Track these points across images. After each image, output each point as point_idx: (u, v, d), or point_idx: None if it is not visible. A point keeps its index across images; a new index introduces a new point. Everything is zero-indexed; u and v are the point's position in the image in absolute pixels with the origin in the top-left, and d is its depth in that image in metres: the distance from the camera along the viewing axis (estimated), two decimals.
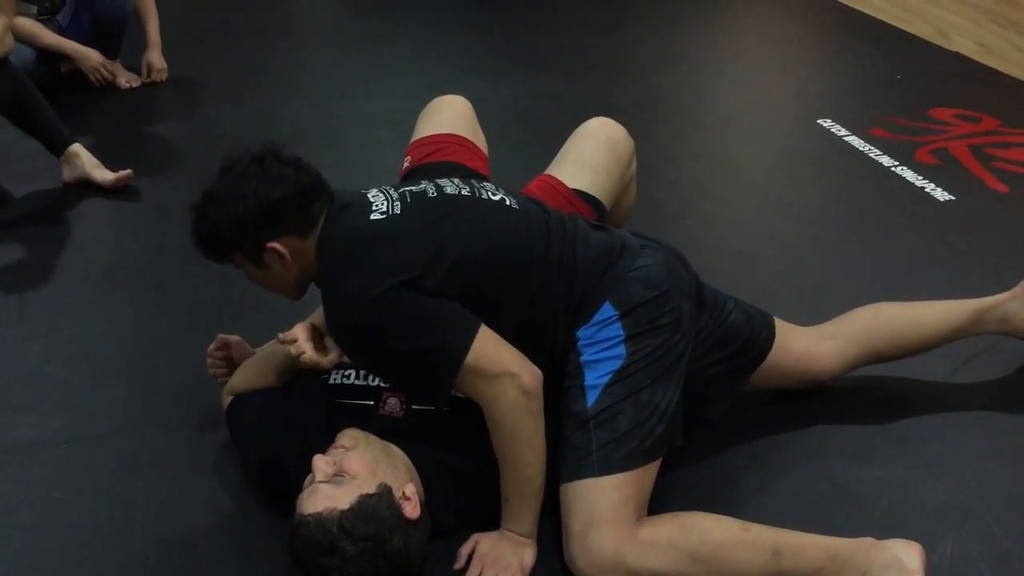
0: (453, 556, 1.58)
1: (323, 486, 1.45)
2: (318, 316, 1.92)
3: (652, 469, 1.58)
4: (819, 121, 3.38)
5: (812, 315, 1.99)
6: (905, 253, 2.55)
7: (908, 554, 1.49)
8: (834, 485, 1.76)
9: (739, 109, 3.57)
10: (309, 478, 1.50)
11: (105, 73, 3.59)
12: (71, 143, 2.88)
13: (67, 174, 2.90)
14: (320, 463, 1.49)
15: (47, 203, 2.87)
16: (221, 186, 1.57)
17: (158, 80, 3.74)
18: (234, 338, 1.90)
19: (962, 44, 4.15)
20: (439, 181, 1.69)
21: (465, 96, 2.16)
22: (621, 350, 1.58)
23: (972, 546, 1.62)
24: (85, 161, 2.88)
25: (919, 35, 4.29)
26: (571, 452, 1.55)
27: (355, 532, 1.41)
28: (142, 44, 3.75)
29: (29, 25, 3.43)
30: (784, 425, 1.92)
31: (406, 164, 1.98)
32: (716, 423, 1.81)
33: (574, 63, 3.99)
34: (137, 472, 1.79)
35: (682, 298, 1.66)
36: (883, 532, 1.55)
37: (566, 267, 1.63)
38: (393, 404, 1.63)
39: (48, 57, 3.53)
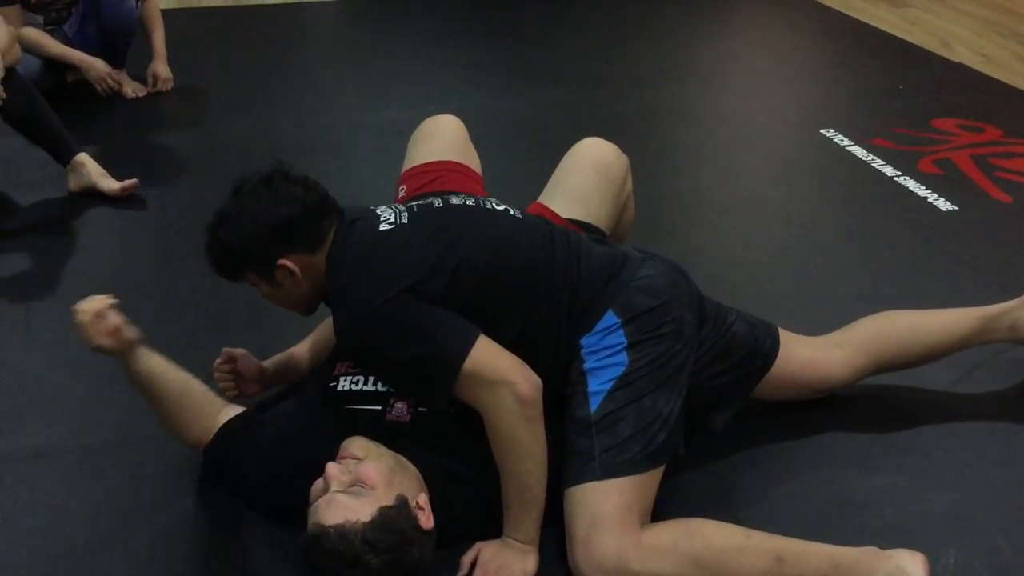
0: (456, 564, 1.58)
1: (342, 496, 1.45)
2: (311, 340, 1.94)
3: (655, 476, 1.58)
4: (822, 131, 3.39)
5: (815, 324, 1.99)
6: (908, 263, 2.55)
7: (911, 564, 1.49)
8: (837, 494, 1.76)
9: (742, 120, 3.58)
10: (320, 485, 1.50)
11: (111, 83, 3.61)
12: (77, 152, 2.89)
13: (73, 183, 2.91)
14: (334, 471, 1.49)
15: (53, 212, 2.88)
16: (232, 207, 1.62)
17: (164, 90, 3.76)
18: (239, 351, 1.91)
19: (964, 55, 4.16)
20: (445, 195, 1.73)
21: (466, 107, 2.17)
22: (623, 357, 1.60)
23: (975, 556, 1.62)
24: (91, 170, 2.89)
25: (922, 46, 4.30)
26: (574, 457, 1.57)
27: (378, 545, 1.41)
28: (148, 54, 3.77)
29: (35, 35, 3.44)
30: (787, 434, 1.92)
31: (401, 194, 1.98)
32: (719, 432, 1.81)
33: (576, 75, 4.00)
34: (141, 480, 1.80)
35: (684, 308, 1.67)
36: (886, 541, 1.55)
37: (570, 276, 1.65)
38: (400, 409, 1.64)
39: (54, 67, 3.55)
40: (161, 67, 3.77)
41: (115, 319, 1.70)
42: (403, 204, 1.70)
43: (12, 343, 2.24)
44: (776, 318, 1.90)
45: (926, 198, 2.89)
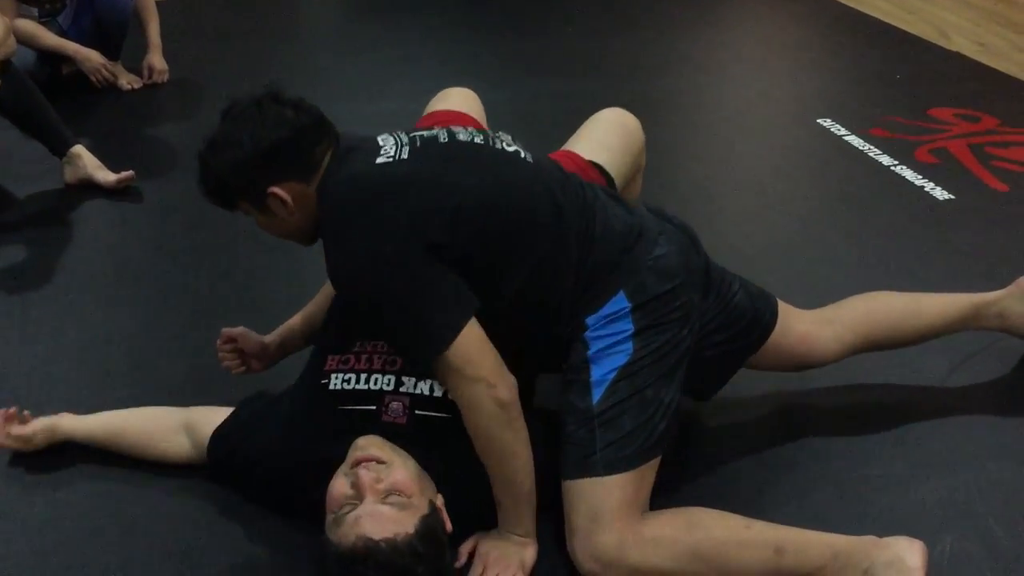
0: (454, 555, 1.58)
1: (386, 509, 1.41)
2: (307, 309, 1.92)
3: (655, 464, 1.58)
4: (819, 121, 3.38)
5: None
6: (904, 252, 2.55)
7: (910, 552, 1.49)
8: (835, 483, 1.77)
9: (739, 109, 3.58)
10: (344, 491, 1.44)
11: (106, 74, 3.60)
12: (73, 144, 2.89)
13: (69, 175, 2.91)
14: (368, 480, 1.43)
15: (49, 204, 2.87)
16: (220, 132, 1.55)
17: (159, 81, 3.75)
18: (238, 329, 1.88)
19: (962, 44, 4.16)
20: (452, 127, 1.65)
21: None
22: (628, 346, 1.56)
23: (972, 543, 1.62)
24: (87, 162, 2.89)
25: (919, 35, 4.29)
26: (574, 449, 1.55)
27: (426, 555, 1.39)
28: (143, 46, 3.76)
29: (30, 27, 3.43)
30: (785, 424, 1.93)
31: None
32: (714, 417, 1.81)
33: (574, 66, 3.99)
34: (138, 472, 1.80)
35: (692, 290, 1.64)
36: (884, 530, 1.55)
37: (581, 234, 1.58)
38: (396, 408, 1.59)
39: (50, 59, 3.54)
40: (156, 59, 3.76)
41: (10, 431, 1.79)
42: (407, 135, 1.60)
43: (8, 336, 2.24)
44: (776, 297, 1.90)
45: (923, 187, 2.89)
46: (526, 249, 1.54)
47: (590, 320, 1.58)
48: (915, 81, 3.75)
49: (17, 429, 1.79)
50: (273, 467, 1.65)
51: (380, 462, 1.48)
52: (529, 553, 1.57)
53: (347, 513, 1.41)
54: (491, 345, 1.50)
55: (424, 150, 1.57)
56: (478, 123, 2.06)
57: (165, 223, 2.74)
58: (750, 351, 1.79)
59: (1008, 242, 2.58)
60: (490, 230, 1.51)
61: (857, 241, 2.61)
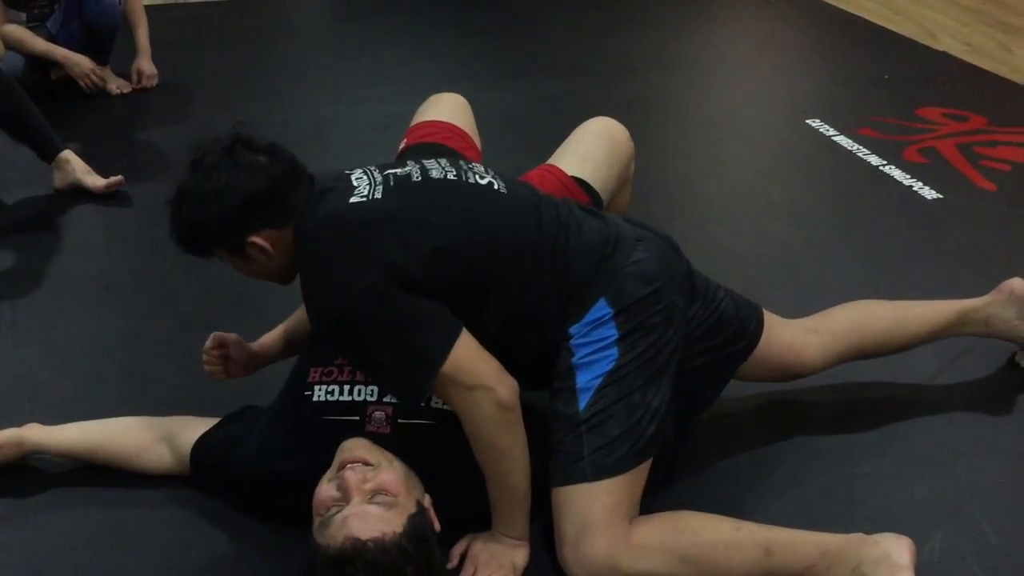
0: (445, 557, 1.58)
1: (373, 509, 1.41)
2: (289, 320, 1.91)
3: (644, 468, 1.57)
4: (807, 121, 3.40)
5: (800, 314, 1.98)
6: (893, 251, 2.56)
7: (898, 549, 1.50)
8: (824, 482, 1.77)
9: (728, 110, 3.59)
10: (331, 493, 1.45)
11: (95, 79, 3.59)
12: (62, 149, 2.88)
13: (58, 180, 2.90)
14: (355, 480, 1.43)
15: (38, 209, 2.87)
16: (193, 182, 1.53)
17: (148, 86, 3.75)
18: (232, 337, 1.84)
19: (950, 44, 4.18)
20: (426, 163, 1.65)
21: None
22: (613, 352, 1.56)
23: (960, 540, 1.63)
24: (76, 167, 2.88)
25: (907, 35, 4.31)
26: (562, 456, 1.54)
27: (414, 555, 1.39)
28: (132, 50, 3.76)
29: (19, 32, 3.43)
30: (774, 424, 1.93)
31: (402, 146, 2.02)
32: (704, 416, 1.81)
33: (562, 66, 4.00)
34: (129, 477, 1.79)
35: (675, 293, 1.63)
36: (873, 527, 1.56)
37: (559, 254, 1.59)
38: (379, 418, 1.58)
39: (38, 64, 3.53)
40: (145, 63, 3.76)
41: None
42: (380, 173, 1.59)
43: None
44: (761, 306, 1.90)
45: (911, 187, 2.90)
46: (505, 282, 1.55)
47: (573, 329, 1.57)
48: (903, 81, 3.77)
49: None
50: (257, 479, 1.65)
51: (367, 464, 1.48)
52: (520, 555, 1.57)
53: (334, 515, 1.41)
54: (486, 352, 1.49)
55: (398, 189, 1.56)
56: (465, 135, 2.06)
57: (154, 227, 2.73)
58: (739, 359, 1.78)
59: (996, 241, 2.59)
60: (467, 268, 1.52)
61: (845, 241, 2.62)
